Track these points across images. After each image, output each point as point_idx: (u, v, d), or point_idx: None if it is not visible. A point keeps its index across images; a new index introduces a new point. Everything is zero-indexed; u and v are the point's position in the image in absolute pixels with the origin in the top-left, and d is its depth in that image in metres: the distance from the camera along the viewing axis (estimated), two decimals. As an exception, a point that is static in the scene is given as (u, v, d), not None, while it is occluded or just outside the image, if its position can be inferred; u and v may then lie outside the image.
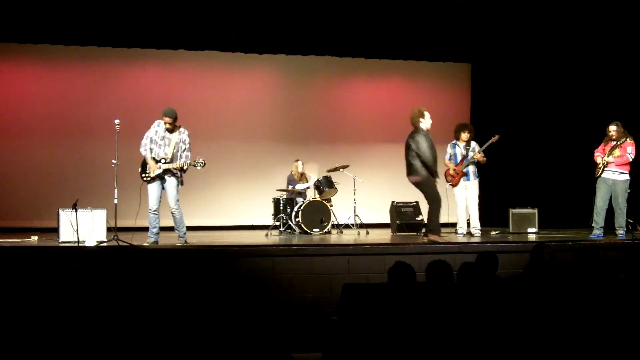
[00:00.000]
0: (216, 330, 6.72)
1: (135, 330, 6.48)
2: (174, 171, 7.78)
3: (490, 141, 9.33)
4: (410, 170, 8.07)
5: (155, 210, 7.78)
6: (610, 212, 8.88)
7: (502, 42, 11.48)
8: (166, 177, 7.79)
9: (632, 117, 9.56)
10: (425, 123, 8.22)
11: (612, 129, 8.75)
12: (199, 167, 7.92)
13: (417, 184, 8.09)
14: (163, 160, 7.74)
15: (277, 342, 6.71)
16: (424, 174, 7.94)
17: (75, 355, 6.01)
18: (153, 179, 7.76)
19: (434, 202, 8.00)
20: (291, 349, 6.44)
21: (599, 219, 8.82)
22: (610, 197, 8.80)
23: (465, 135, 9.34)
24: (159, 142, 7.77)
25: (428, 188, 8.01)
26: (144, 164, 7.79)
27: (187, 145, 7.89)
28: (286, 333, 6.78)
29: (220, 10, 10.07)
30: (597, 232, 8.78)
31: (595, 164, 8.86)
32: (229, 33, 10.76)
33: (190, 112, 11.25)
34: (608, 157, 8.70)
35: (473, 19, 10.60)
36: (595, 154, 8.90)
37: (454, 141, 9.46)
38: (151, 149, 7.77)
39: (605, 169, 8.75)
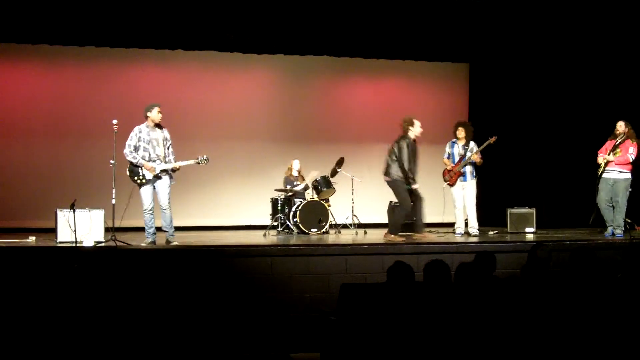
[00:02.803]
0: (214, 330, 6.72)
1: (133, 331, 6.48)
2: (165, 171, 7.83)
3: (487, 142, 9.34)
4: (387, 171, 8.54)
5: (150, 210, 7.80)
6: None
7: (500, 42, 11.49)
8: (161, 175, 7.81)
9: (630, 116, 9.56)
10: (414, 131, 8.61)
11: (620, 124, 8.80)
12: (202, 164, 8.00)
13: (389, 184, 8.58)
14: (158, 161, 7.76)
15: (275, 342, 6.72)
16: (396, 178, 8.42)
17: (73, 355, 6.01)
18: (148, 181, 7.76)
19: (401, 205, 8.56)
20: (289, 349, 6.46)
21: (607, 217, 8.88)
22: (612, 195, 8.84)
23: (460, 133, 9.34)
24: (146, 147, 7.76)
25: (398, 191, 8.50)
26: (134, 169, 7.74)
27: (170, 142, 7.95)
28: (284, 333, 6.79)
29: (219, 10, 10.06)
30: (612, 230, 8.84)
31: (598, 165, 8.91)
32: (227, 33, 10.75)
33: (188, 112, 11.28)
34: (609, 155, 8.75)
35: (471, 18, 10.60)
36: (599, 154, 8.95)
37: (454, 139, 9.45)
38: (142, 156, 7.73)
39: (607, 168, 8.78)
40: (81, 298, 6.51)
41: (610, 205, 8.85)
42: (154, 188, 7.82)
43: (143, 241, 7.77)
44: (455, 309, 4.25)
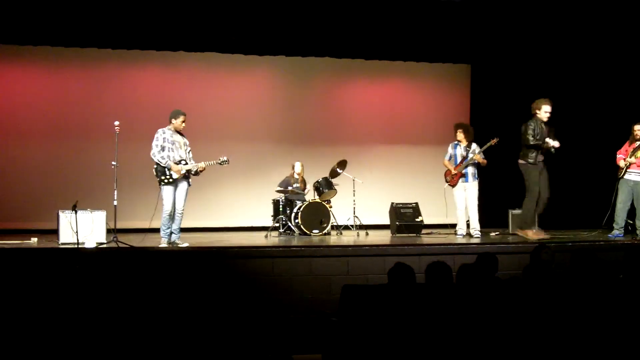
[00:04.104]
0: (216, 332, 6.72)
1: (135, 332, 6.48)
2: (189, 173, 7.91)
3: (489, 143, 9.33)
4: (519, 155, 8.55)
5: (170, 212, 7.84)
6: (631, 213, 8.93)
7: (502, 44, 11.48)
8: (184, 179, 7.90)
9: (632, 118, 9.56)
10: (540, 114, 8.62)
11: (637, 127, 8.78)
12: (224, 165, 8.15)
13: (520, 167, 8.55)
14: (183, 162, 7.82)
15: (276, 343, 6.72)
16: (521, 161, 8.48)
17: (75, 356, 6.02)
18: (174, 181, 7.80)
19: (527, 192, 8.44)
20: (291, 351, 6.44)
21: (619, 219, 8.89)
22: (633, 198, 8.81)
23: (460, 135, 9.35)
24: (171, 147, 7.85)
25: (525, 175, 8.46)
26: (161, 169, 7.79)
27: (190, 148, 8.09)
28: (286, 334, 6.79)
29: (220, 12, 10.07)
30: (617, 232, 8.83)
31: (617, 165, 8.88)
32: (229, 34, 10.76)
33: (190, 114, 11.11)
34: (630, 157, 8.74)
35: (473, 20, 10.60)
36: (618, 156, 8.94)
37: (456, 142, 9.46)
38: (167, 156, 7.81)
39: (627, 170, 8.77)
40: (83, 299, 6.51)
41: (628, 207, 8.83)
42: (176, 190, 7.86)
43: (160, 242, 7.80)
44: (457, 310, 4.25)
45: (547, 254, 5.29)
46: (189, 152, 8.03)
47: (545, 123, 8.55)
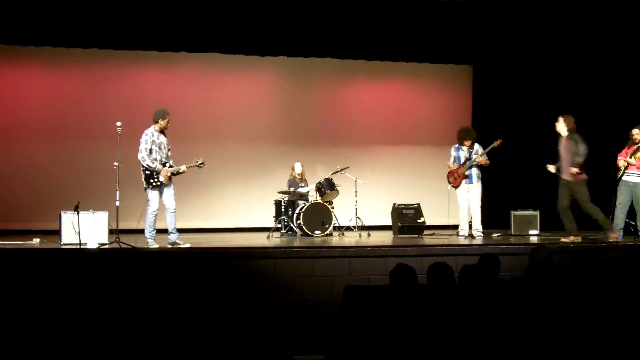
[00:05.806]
0: (217, 332, 6.73)
1: (137, 332, 6.49)
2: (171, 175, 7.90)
3: (492, 145, 9.34)
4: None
5: (156, 212, 7.85)
6: (631, 215, 8.89)
7: (504, 44, 11.47)
8: (171, 178, 7.88)
9: (634, 119, 9.55)
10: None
11: (635, 132, 8.79)
12: (201, 167, 8.05)
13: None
14: (167, 165, 7.81)
15: (278, 344, 6.72)
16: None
17: (77, 357, 6.02)
18: (161, 184, 7.80)
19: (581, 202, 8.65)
20: (293, 351, 6.44)
21: (618, 220, 8.82)
22: (632, 199, 8.78)
23: (467, 143, 9.34)
24: (157, 150, 7.83)
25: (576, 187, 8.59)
26: (150, 171, 7.78)
27: (169, 146, 8.06)
28: (288, 335, 6.79)
29: (222, 13, 10.07)
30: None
31: (618, 167, 8.87)
32: (230, 35, 10.77)
33: (191, 114, 11.28)
34: (629, 158, 8.72)
35: (475, 20, 10.60)
36: (618, 158, 8.91)
37: (457, 144, 9.44)
38: (155, 159, 7.79)
39: (626, 171, 8.76)
40: (85, 300, 6.52)
41: (627, 209, 8.81)
42: (162, 192, 7.86)
43: (146, 242, 7.78)
44: (459, 311, 4.25)
45: (539, 253, 5.26)
46: (168, 151, 8.00)
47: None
